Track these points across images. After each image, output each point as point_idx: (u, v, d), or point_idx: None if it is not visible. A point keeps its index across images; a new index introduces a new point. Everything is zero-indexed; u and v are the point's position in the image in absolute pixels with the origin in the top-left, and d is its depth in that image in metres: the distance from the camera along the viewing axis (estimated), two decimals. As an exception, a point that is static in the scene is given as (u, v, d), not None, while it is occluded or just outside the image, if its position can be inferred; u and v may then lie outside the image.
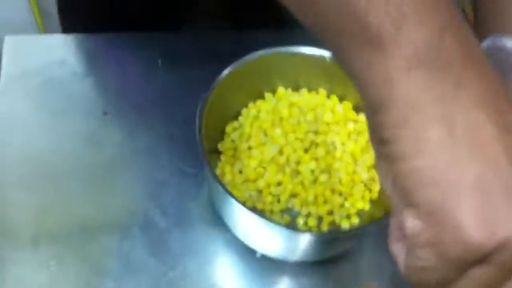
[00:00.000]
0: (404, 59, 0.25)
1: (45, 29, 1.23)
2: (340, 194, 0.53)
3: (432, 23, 0.25)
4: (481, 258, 0.25)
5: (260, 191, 0.52)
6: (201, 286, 0.48)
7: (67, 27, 0.70)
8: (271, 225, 0.44)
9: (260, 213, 0.51)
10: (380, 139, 0.27)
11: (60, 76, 0.59)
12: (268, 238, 0.48)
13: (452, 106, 0.25)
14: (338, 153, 0.54)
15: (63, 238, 0.49)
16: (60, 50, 0.61)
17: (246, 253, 0.50)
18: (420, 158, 0.25)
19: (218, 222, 0.51)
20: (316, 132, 0.55)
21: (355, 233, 0.47)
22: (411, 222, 0.26)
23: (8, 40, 0.61)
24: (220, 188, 0.45)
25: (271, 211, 0.52)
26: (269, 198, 0.52)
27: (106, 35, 0.63)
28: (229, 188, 0.51)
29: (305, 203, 0.52)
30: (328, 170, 0.53)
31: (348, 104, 0.56)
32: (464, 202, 0.24)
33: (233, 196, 0.44)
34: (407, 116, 0.25)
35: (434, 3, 0.25)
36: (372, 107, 0.27)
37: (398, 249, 0.28)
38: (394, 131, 0.26)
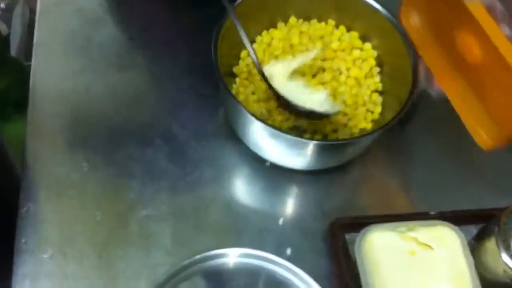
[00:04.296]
0: None
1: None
2: (344, 114, 0.58)
3: None
4: None
5: (270, 110, 0.57)
6: (215, 189, 0.54)
7: None
8: (279, 134, 0.49)
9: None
10: None
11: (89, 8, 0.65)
12: (276, 148, 0.53)
13: None
14: (343, 78, 0.59)
15: (94, 144, 0.55)
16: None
17: (257, 162, 0.56)
18: None
19: (232, 136, 0.57)
20: (323, 59, 0.59)
21: (352, 142, 0.51)
22: None
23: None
24: (234, 102, 0.50)
25: (280, 128, 0.57)
26: (278, 117, 0.57)
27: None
28: (243, 107, 0.56)
29: (312, 121, 0.57)
30: (334, 93, 0.58)
31: (354, 34, 0.60)
32: None
33: (245, 109, 0.49)
34: None
35: None
36: None
37: None
38: None
